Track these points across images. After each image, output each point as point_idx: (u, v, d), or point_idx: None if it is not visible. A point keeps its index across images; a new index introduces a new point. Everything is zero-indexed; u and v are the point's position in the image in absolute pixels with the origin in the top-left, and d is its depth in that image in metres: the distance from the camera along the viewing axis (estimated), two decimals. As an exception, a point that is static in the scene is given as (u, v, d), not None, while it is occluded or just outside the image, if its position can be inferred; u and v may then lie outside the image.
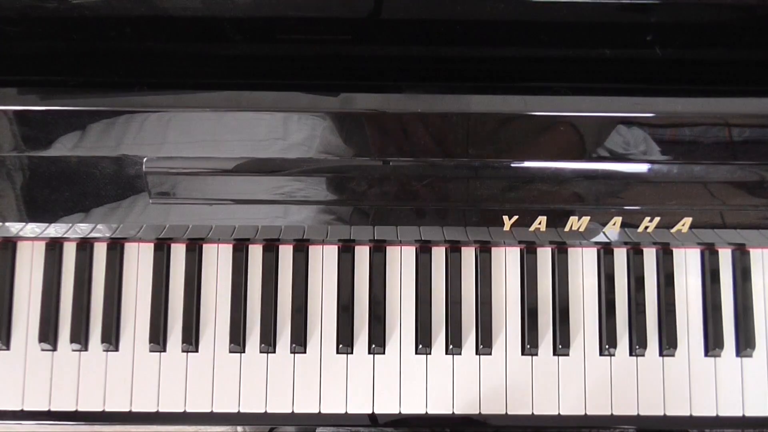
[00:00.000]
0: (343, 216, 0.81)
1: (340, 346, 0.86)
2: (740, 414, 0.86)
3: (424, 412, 0.86)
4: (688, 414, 0.86)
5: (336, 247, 0.88)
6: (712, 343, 0.87)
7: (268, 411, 0.85)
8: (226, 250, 0.88)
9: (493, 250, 0.88)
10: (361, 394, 0.86)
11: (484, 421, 0.86)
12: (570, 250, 0.88)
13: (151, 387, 0.86)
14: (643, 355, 0.87)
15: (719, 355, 0.87)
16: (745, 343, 0.87)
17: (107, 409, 0.86)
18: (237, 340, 0.86)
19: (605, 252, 0.88)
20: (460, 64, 0.80)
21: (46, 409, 0.86)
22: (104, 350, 0.87)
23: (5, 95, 0.73)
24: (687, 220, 0.79)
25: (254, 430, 0.97)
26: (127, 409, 0.85)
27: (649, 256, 0.89)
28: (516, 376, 0.86)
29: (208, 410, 0.85)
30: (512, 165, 0.75)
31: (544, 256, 0.88)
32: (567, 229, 0.81)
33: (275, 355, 0.87)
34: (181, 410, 0.85)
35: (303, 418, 0.86)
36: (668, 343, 0.87)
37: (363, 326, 0.87)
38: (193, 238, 0.87)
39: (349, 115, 0.74)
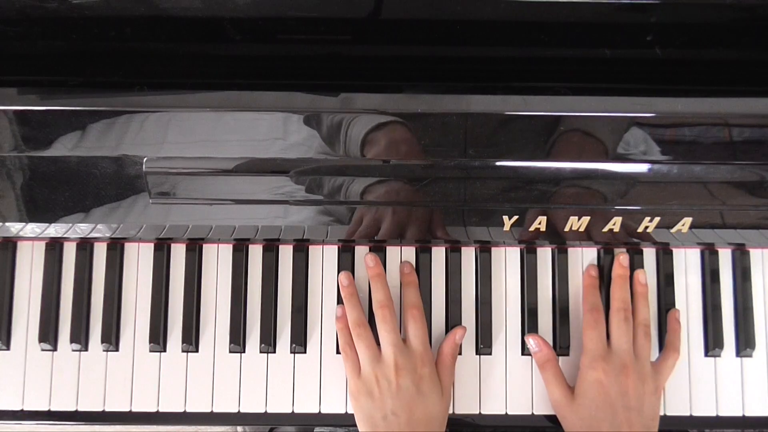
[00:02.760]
0: (343, 216, 0.81)
1: (340, 346, 0.86)
2: (740, 414, 0.86)
3: (424, 412, 0.86)
4: (688, 414, 0.86)
5: (336, 247, 0.88)
6: (712, 343, 0.87)
7: (268, 411, 0.85)
8: (226, 250, 0.88)
9: (493, 250, 0.88)
10: (361, 394, 0.86)
11: (484, 421, 0.86)
12: (570, 250, 0.88)
13: (151, 387, 0.86)
14: (643, 355, 0.87)
15: (719, 355, 0.87)
16: (745, 343, 0.87)
17: (107, 409, 0.86)
18: (237, 340, 0.86)
19: (605, 252, 0.88)
20: (460, 64, 0.80)
21: (46, 409, 0.86)
22: (104, 350, 0.87)
23: (5, 95, 0.73)
24: (687, 220, 0.79)
25: (254, 430, 0.96)
26: (127, 409, 0.86)
27: (649, 256, 0.89)
28: (516, 376, 0.86)
29: (208, 410, 0.85)
30: (512, 165, 0.75)
31: (544, 256, 0.88)
32: (567, 229, 0.81)
33: (275, 355, 0.87)
34: (181, 410, 0.85)
35: (303, 418, 0.85)
36: (668, 343, 0.86)
37: (363, 326, 0.87)
38: (193, 238, 0.87)
39: (350, 114, 0.74)
